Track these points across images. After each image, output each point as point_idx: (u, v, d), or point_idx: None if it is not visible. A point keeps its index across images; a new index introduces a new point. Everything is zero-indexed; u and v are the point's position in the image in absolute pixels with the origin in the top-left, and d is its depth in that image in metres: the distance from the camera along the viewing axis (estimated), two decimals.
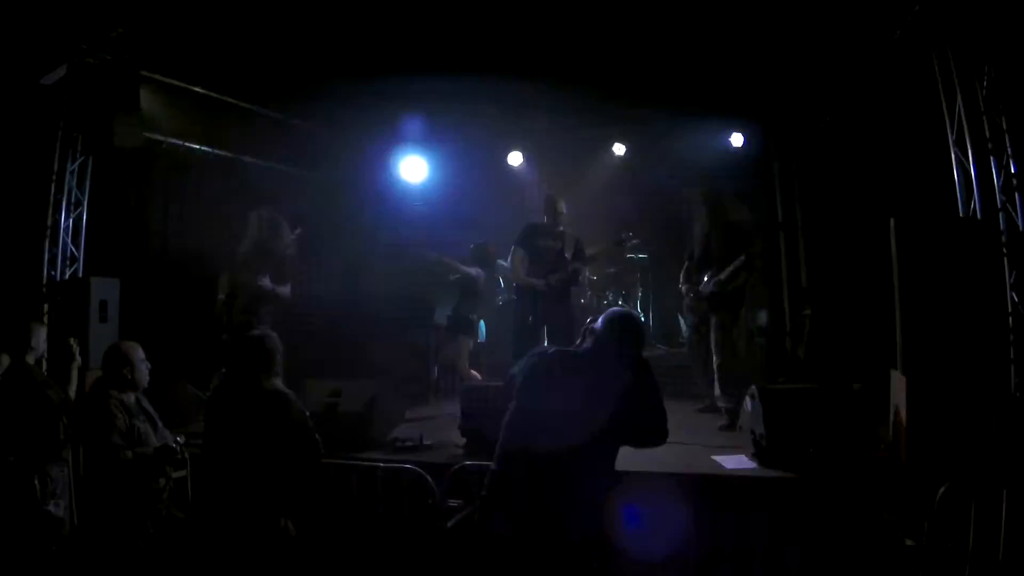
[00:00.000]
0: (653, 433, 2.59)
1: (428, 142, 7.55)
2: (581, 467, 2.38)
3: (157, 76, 5.78)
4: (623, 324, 2.61)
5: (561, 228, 5.18)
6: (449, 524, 3.39)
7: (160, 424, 3.52)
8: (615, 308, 2.92)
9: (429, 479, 3.67)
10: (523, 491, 2.37)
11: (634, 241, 5.06)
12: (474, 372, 5.73)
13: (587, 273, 5.14)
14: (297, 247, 5.65)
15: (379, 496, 3.76)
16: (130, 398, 3.41)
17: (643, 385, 2.54)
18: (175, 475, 3.52)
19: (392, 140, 7.50)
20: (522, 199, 7.25)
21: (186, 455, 3.49)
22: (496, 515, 2.43)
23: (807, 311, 5.41)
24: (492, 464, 2.53)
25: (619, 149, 7.14)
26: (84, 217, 5.60)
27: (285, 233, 5.52)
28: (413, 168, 7.68)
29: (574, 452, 2.34)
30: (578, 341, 2.65)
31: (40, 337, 3.99)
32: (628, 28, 5.17)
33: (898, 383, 3.78)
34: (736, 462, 3.82)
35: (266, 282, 5.32)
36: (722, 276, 4.69)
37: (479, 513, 2.54)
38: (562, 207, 5.16)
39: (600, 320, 2.61)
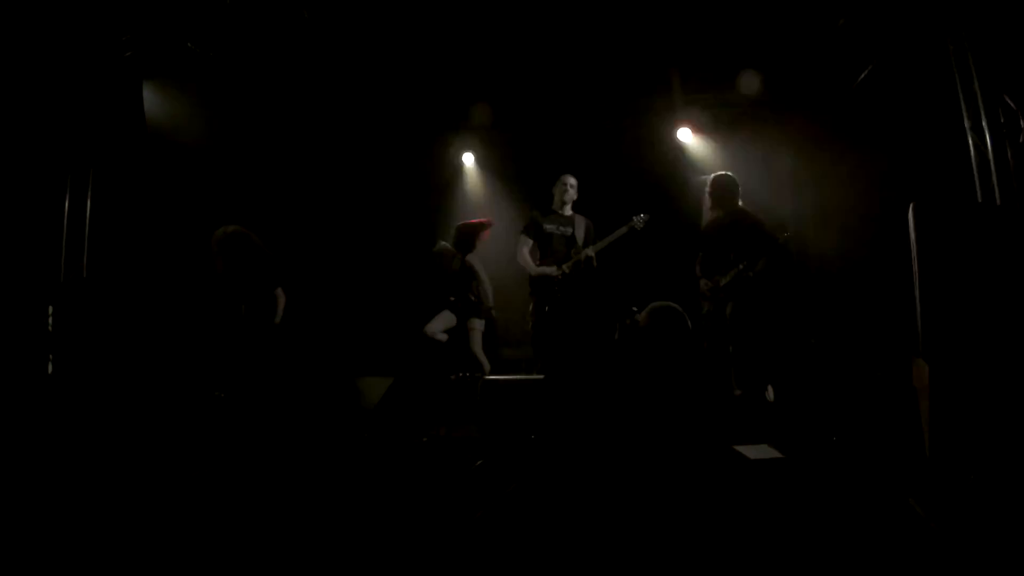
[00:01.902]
0: None
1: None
2: None
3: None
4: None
5: (570, 213, 4.99)
6: (477, 515, 3.34)
7: None
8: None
9: (449, 473, 3.63)
10: None
11: (646, 219, 4.79)
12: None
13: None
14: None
15: (399, 488, 3.71)
16: None
17: None
18: None
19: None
20: None
21: None
22: None
23: (824, 299, 5.38)
24: None
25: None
26: (88, 220, 5.57)
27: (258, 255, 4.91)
28: None
29: None
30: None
31: None
32: None
33: (920, 371, 3.75)
34: (759, 452, 3.77)
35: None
36: (741, 266, 4.63)
37: None
38: (573, 189, 4.98)
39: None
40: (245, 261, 4.79)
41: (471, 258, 5.70)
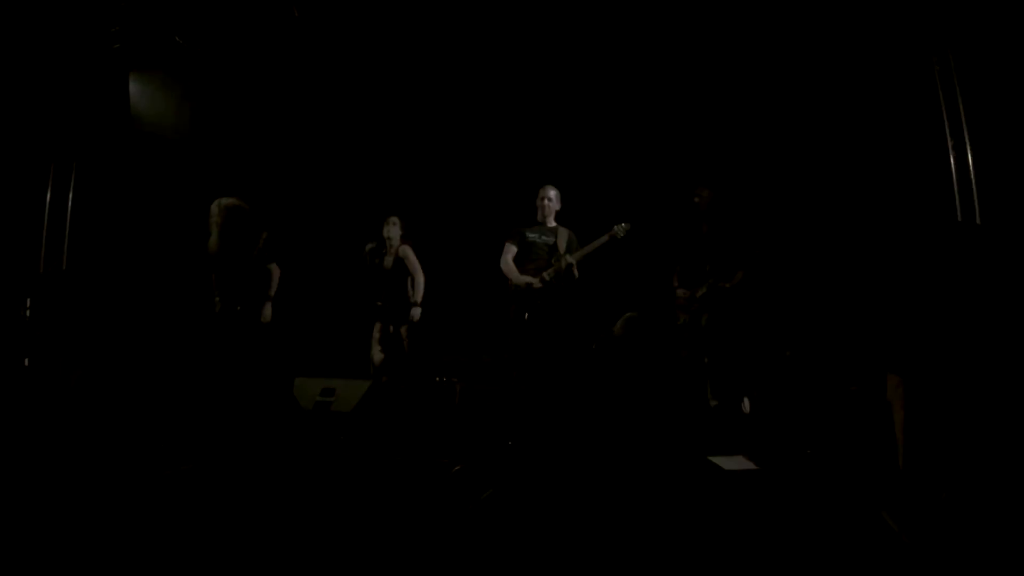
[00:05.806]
0: None
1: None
2: None
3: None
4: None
5: (553, 224, 5.01)
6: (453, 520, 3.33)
7: None
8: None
9: (428, 477, 3.61)
10: None
11: (627, 228, 4.76)
12: None
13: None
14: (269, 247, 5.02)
15: (377, 494, 3.69)
16: None
17: None
18: None
19: None
20: None
21: None
22: None
23: (800, 313, 5.42)
24: None
25: None
26: (69, 211, 5.52)
27: (251, 227, 4.86)
28: None
29: None
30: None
31: None
32: None
33: (894, 385, 3.77)
34: (734, 463, 3.78)
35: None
36: (711, 280, 4.70)
37: None
38: (551, 201, 5.00)
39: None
40: (241, 235, 4.74)
41: (405, 249, 5.49)
